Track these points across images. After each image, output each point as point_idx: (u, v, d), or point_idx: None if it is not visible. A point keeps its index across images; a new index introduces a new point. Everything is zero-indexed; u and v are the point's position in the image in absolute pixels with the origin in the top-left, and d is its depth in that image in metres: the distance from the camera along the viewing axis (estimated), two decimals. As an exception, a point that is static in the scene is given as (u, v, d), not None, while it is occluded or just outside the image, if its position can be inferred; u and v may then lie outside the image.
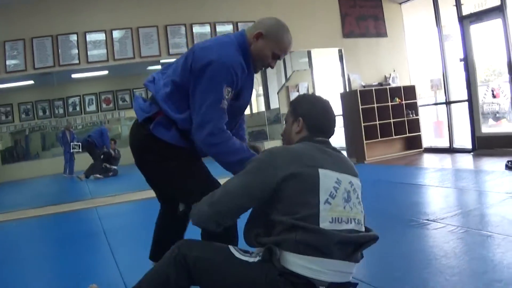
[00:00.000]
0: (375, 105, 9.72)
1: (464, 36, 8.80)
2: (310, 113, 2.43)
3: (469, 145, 9.11)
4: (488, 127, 9.45)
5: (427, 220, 4.43)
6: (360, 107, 9.56)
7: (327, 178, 2.23)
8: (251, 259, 2.25)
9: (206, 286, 2.40)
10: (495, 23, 8.37)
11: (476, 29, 8.81)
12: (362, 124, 9.57)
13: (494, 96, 9.08)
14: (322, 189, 2.21)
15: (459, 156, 8.96)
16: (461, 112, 9.67)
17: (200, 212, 2.36)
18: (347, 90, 10.02)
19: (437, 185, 6.33)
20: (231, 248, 2.32)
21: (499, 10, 8.20)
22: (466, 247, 3.60)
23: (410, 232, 4.13)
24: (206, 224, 2.41)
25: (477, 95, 8.86)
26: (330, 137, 2.47)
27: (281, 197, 2.21)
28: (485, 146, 8.67)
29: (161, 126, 2.60)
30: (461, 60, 8.87)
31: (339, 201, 2.23)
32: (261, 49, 2.58)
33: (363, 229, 2.34)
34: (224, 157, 2.53)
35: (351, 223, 2.26)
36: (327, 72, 12.00)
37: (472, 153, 8.86)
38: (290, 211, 2.18)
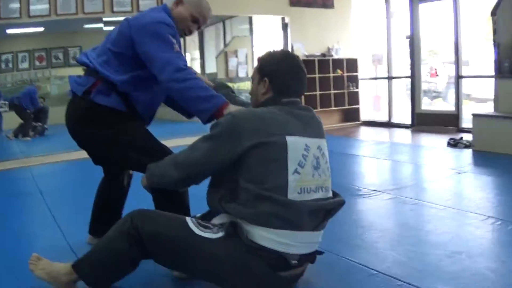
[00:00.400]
0: (317, 75, 9.74)
1: (412, 13, 8.90)
2: (276, 74, 2.31)
3: (407, 121, 9.28)
4: (425, 105, 9.63)
5: (376, 190, 4.45)
6: (302, 77, 9.47)
7: (295, 146, 2.15)
8: (213, 236, 2.14)
9: (163, 263, 2.30)
10: (444, 3, 8.47)
11: (424, 8, 8.93)
12: (303, 94, 9.52)
13: (436, 75, 9.24)
14: (291, 159, 2.13)
15: (397, 131, 9.11)
16: (398, 89, 9.83)
17: (166, 174, 2.29)
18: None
19: (381, 158, 6.40)
20: (189, 222, 2.19)
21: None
22: (421, 219, 3.64)
23: (361, 202, 4.15)
24: (170, 185, 2.36)
25: (420, 72, 9.02)
26: (299, 96, 2.36)
27: (246, 164, 2.13)
28: (423, 122, 8.84)
29: (101, 94, 2.62)
30: (407, 37, 8.98)
31: (308, 169, 2.17)
32: (181, 12, 2.75)
33: (331, 194, 2.30)
34: (196, 91, 2.48)
35: (319, 191, 2.21)
36: (268, 40, 11.87)
37: (410, 128, 9.01)
38: (256, 179, 2.11)
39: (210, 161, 2.18)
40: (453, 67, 8.37)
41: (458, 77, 8.22)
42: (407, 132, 8.84)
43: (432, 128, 8.57)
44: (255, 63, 2.48)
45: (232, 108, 2.43)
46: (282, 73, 2.30)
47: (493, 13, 6.57)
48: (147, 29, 2.52)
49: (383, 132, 9.13)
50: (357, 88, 10.27)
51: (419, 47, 8.92)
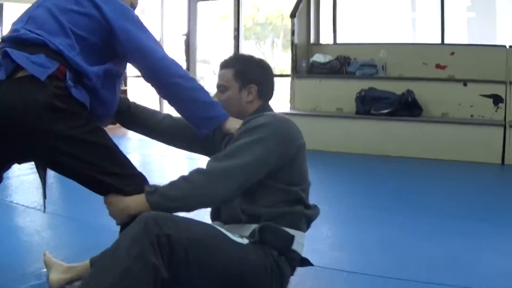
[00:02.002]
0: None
1: (190, 11, 8.94)
2: (265, 80, 2.20)
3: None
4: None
5: None
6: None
7: None
8: (242, 241, 1.90)
9: (188, 279, 1.78)
10: (223, 2, 8.71)
11: (202, 6, 9.10)
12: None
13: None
14: None
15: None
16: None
17: (207, 191, 1.88)
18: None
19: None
20: (218, 226, 1.93)
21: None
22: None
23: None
24: (205, 204, 2.00)
25: (195, 69, 9.14)
26: None
27: (292, 166, 2.02)
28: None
29: (73, 86, 1.94)
30: (183, 35, 9.02)
31: None
32: None
33: None
34: (205, 94, 2.11)
35: None
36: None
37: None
38: (298, 181, 2.05)
39: (261, 166, 1.93)
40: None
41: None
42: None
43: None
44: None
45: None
46: (269, 79, 2.22)
47: (292, 15, 7.00)
48: (128, 15, 2.06)
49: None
50: (125, 86, 9.92)
51: (195, 45, 9.02)
